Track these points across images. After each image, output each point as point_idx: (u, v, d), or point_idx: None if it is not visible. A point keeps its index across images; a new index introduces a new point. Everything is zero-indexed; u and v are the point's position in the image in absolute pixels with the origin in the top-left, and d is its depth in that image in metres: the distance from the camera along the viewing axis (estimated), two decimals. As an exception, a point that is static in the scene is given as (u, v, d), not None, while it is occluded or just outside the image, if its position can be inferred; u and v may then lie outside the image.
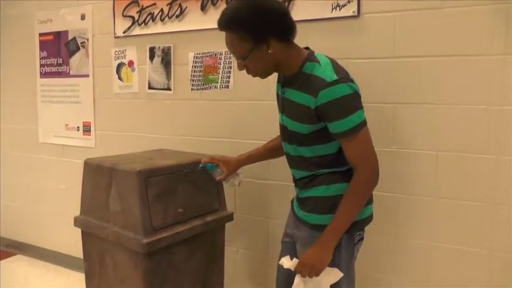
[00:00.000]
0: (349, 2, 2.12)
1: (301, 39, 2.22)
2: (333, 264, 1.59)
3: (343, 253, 1.62)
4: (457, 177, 2.00)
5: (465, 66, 1.93)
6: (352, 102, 1.51)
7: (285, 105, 1.68)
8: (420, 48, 2.01)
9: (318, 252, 1.57)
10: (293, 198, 1.83)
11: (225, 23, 1.60)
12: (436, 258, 2.08)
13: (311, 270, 1.57)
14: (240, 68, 1.66)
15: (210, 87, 2.60)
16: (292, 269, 1.62)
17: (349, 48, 2.16)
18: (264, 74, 1.67)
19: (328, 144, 1.60)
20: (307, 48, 1.68)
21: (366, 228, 1.71)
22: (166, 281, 1.96)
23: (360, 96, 1.57)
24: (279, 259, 1.88)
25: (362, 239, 1.71)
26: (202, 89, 2.63)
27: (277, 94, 1.76)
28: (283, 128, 1.72)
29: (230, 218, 2.24)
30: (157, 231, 1.86)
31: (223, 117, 2.57)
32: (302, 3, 2.25)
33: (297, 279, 1.62)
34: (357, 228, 1.64)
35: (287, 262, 1.63)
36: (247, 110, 2.45)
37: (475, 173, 1.96)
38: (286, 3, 2.26)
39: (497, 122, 1.90)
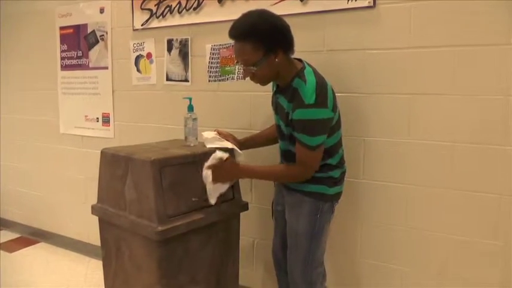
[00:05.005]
0: (365, -8, 2.11)
1: (318, 30, 2.26)
2: (313, 223, 1.92)
3: (323, 217, 1.93)
4: (473, 169, 1.97)
5: (482, 56, 1.90)
6: (317, 127, 1.77)
7: (278, 108, 1.95)
8: (436, 39, 1.98)
9: (234, 171, 1.95)
10: None
11: (241, 33, 1.79)
12: (451, 250, 2.06)
13: (217, 173, 1.91)
14: (247, 74, 1.88)
15: (227, 79, 2.62)
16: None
17: (365, 39, 2.15)
18: (266, 82, 1.92)
19: None
20: (300, 60, 1.91)
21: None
22: (181, 269, 1.98)
23: (331, 119, 1.82)
24: (275, 229, 2.23)
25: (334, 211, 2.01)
26: (219, 80, 2.65)
27: (273, 98, 2.01)
28: (277, 126, 2.00)
29: (245, 207, 2.25)
30: (172, 219, 1.88)
31: (240, 108, 2.59)
32: (318, -6, 2.23)
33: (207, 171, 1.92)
34: (336, 199, 1.98)
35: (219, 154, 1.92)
36: (263, 101, 2.46)
37: (492, 164, 1.93)
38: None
39: (515, 112, 1.86)
